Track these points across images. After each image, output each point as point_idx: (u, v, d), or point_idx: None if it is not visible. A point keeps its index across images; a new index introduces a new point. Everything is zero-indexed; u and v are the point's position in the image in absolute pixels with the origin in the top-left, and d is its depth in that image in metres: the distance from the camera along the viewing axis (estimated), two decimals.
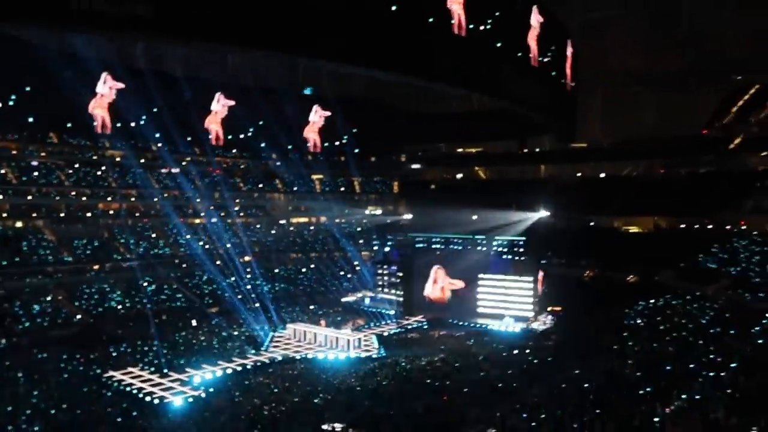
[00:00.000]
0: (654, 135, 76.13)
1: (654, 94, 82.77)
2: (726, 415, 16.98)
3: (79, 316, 47.65)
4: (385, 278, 58.78)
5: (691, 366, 24.73)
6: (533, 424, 21.75)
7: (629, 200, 68.48)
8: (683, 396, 19.79)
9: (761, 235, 52.07)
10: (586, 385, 26.54)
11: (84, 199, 59.11)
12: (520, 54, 57.87)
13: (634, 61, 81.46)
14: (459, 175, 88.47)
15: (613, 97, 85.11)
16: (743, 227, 56.86)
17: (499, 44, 49.86)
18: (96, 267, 54.16)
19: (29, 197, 55.78)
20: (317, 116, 76.71)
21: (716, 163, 67.03)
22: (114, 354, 39.61)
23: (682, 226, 64.08)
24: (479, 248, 52.56)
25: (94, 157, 62.45)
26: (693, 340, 30.53)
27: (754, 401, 18.54)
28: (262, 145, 75.00)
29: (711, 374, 22.79)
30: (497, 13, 48.03)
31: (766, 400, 18.49)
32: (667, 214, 65.57)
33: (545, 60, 63.15)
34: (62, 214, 57.66)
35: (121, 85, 58.73)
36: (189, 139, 67.67)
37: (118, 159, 64.60)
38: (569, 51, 71.60)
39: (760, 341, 29.44)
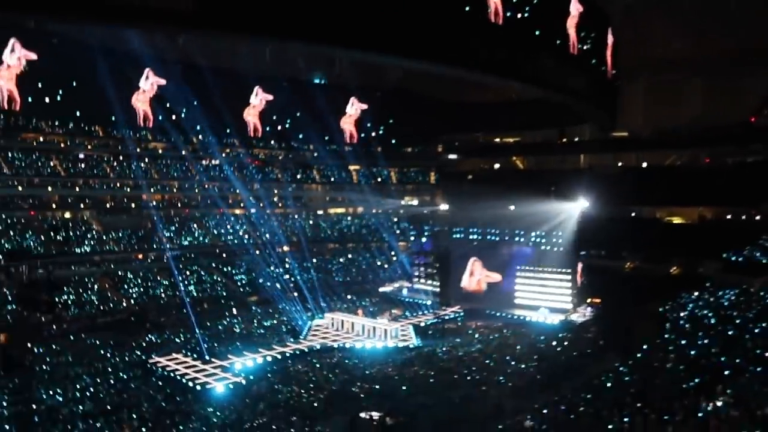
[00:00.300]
0: (699, 123, 73.72)
1: (699, 80, 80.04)
2: None
3: (124, 304, 49.20)
4: (422, 269, 58.74)
5: (737, 361, 24.06)
6: (572, 416, 21.55)
7: (673, 190, 66.68)
8: (728, 391, 19.30)
9: None
10: (626, 378, 26.14)
11: (128, 190, 60.76)
12: (558, 42, 56.81)
13: (677, 46, 78.86)
14: (496, 165, 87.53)
15: (655, 84, 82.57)
16: None
17: (537, 32, 49.02)
18: (140, 256, 55.68)
19: (77, 189, 57.66)
20: (354, 108, 76.97)
21: (765, 152, 64.60)
22: (158, 341, 40.81)
23: (729, 216, 62.12)
24: (517, 239, 52.01)
25: (138, 150, 64.09)
26: (738, 335, 29.64)
27: None
28: (299, 136, 75.77)
29: (758, 369, 22.14)
30: (535, 1, 47.15)
31: None
32: (713, 204, 63.58)
33: (585, 48, 61.81)
34: (108, 205, 59.46)
35: (162, 81, 60.15)
36: (227, 131, 68.79)
37: (160, 151, 66.22)
38: (610, 38, 69.89)
39: None
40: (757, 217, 58.51)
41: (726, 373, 21.90)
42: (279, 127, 74.22)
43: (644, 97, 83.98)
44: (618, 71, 72.57)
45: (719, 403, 18.23)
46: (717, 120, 70.39)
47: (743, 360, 24.03)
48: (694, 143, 70.59)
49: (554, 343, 39.21)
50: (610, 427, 18.86)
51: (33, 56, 50.63)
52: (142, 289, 51.38)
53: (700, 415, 17.66)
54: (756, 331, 29.61)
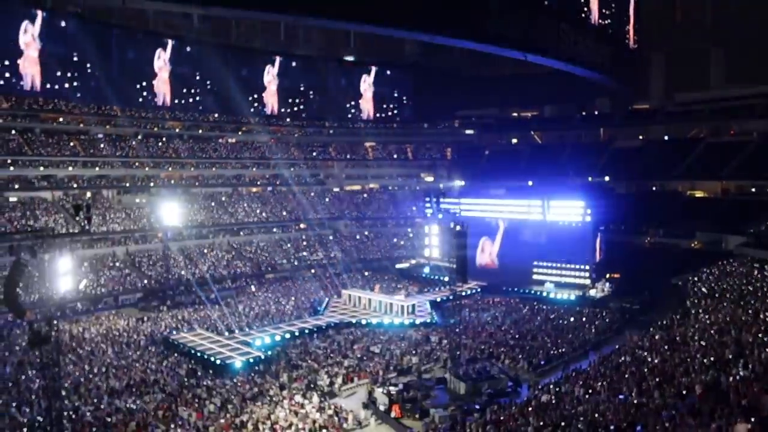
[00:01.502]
0: (722, 94, 71.92)
1: (722, 49, 77.94)
2: None
3: (145, 282, 49.97)
4: (439, 244, 58.63)
5: (759, 335, 23.73)
6: (590, 391, 21.50)
7: (695, 163, 65.45)
8: (749, 365, 19.07)
9: None
10: (644, 353, 25.95)
11: (147, 169, 61.25)
12: (580, 13, 55.57)
13: (701, 15, 76.72)
14: (514, 141, 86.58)
15: (678, 54, 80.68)
16: None
17: (557, 3, 48.03)
18: (159, 235, 56.35)
19: (97, 168, 58.27)
20: (369, 84, 76.53)
21: None
22: (179, 316, 41.45)
23: (753, 190, 60.89)
24: (533, 216, 51.52)
25: (155, 129, 64.51)
26: (760, 308, 29.21)
27: None
28: (315, 113, 75.67)
29: None
30: None
31: None
32: (736, 177, 62.33)
33: (606, 19, 60.40)
34: (127, 184, 60.05)
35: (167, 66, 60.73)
36: (243, 110, 68.95)
37: (177, 130, 66.59)
38: (632, 9, 68.21)
39: None
40: None
41: (746, 347, 21.61)
42: (295, 105, 74.20)
43: (666, 67, 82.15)
44: (640, 42, 70.91)
45: (738, 377, 18.03)
46: (741, 91, 68.68)
47: (765, 334, 23.71)
48: (717, 115, 68.96)
49: (572, 318, 39.04)
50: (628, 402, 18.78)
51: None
52: (162, 267, 52.03)
53: (720, 389, 17.50)
54: None
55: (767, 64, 73.47)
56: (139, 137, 62.69)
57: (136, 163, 60.74)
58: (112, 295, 47.20)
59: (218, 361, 30.39)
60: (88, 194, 56.99)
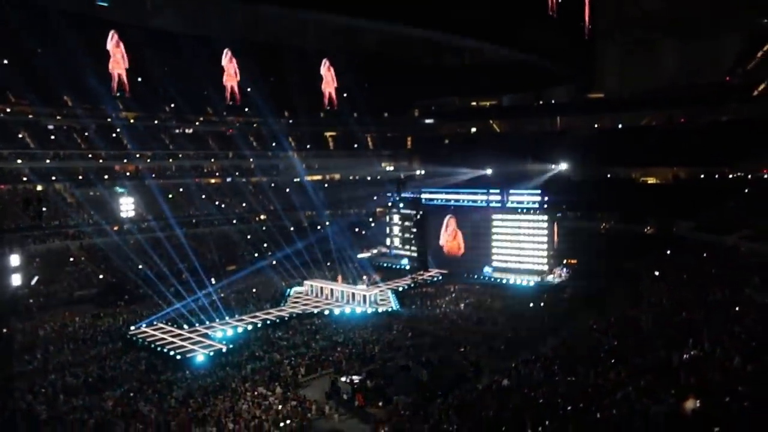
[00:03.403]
0: (674, 83, 74.14)
1: (674, 40, 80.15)
2: (742, 362, 17.04)
3: (101, 277, 48.69)
4: (400, 233, 58.91)
5: (708, 316, 24.73)
6: (548, 374, 22.03)
7: (648, 151, 67.38)
8: (698, 345, 19.86)
9: None
10: (599, 335, 26.74)
11: (101, 161, 59.50)
12: (537, 3, 56.25)
13: (652, 5, 78.67)
14: (473, 129, 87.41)
15: (631, 44, 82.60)
16: (766, 176, 55.87)
17: None
18: (116, 228, 54.89)
19: (47, 161, 56.30)
20: (329, 74, 76.03)
21: (739, 111, 65.40)
22: (137, 312, 40.59)
23: (702, 176, 63.11)
24: (494, 203, 52.23)
25: (108, 120, 62.63)
26: (710, 290, 30.42)
27: None
28: (274, 103, 74.67)
29: (728, 323, 22.79)
30: None
31: None
32: (687, 164, 64.49)
33: (563, 9, 61.35)
34: (80, 177, 58.23)
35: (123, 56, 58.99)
36: (201, 99, 67.66)
37: (132, 121, 64.83)
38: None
39: None
40: (731, 176, 59.54)
41: (697, 327, 22.48)
42: (253, 94, 73.03)
43: (620, 57, 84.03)
44: (594, 32, 72.38)
45: (688, 356, 18.76)
46: (692, 80, 70.94)
47: (714, 314, 24.72)
48: (669, 104, 71.05)
49: (531, 304, 39.83)
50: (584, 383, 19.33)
51: None
52: (118, 262, 50.76)
53: (672, 367, 18.18)
54: (727, 286, 30.40)
55: (715, 55, 76.03)
56: (93, 128, 60.80)
57: (90, 155, 58.94)
58: (66, 291, 45.83)
59: (179, 356, 29.96)
60: (39, 187, 55.06)
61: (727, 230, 47.04)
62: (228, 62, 70.18)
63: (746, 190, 52.46)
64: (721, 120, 66.01)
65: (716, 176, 61.23)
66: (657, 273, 40.74)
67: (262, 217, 65.35)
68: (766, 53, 67.98)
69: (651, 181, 66.96)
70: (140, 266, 50.65)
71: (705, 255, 42.26)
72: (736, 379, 15.36)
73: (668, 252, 46.39)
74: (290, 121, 77.06)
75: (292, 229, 64.31)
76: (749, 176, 57.86)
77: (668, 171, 66.41)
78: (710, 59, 75.20)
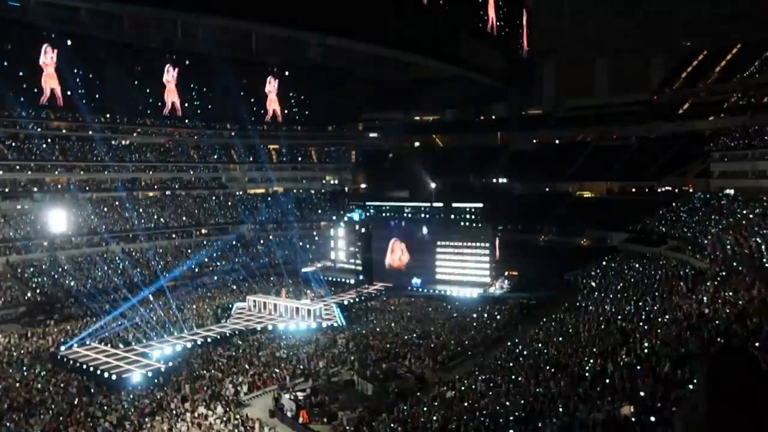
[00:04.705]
0: (607, 101, 77.53)
1: (606, 59, 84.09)
2: (672, 369, 17.82)
3: (28, 295, 46.18)
4: (345, 247, 58.77)
5: (640, 324, 25.74)
6: (491, 384, 22.37)
7: (583, 166, 69.98)
8: (632, 353, 20.63)
9: (706, 197, 53.88)
10: (540, 345, 27.38)
11: (29, 173, 56.70)
12: (477, 21, 57.69)
13: (587, 27, 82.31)
14: (417, 144, 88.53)
15: (567, 63, 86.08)
16: (690, 190, 58.89)
17: (457, 11, 49.61)
18: (45, 243, 52.31)
19: None
20: (273, 86, 75.45)
21: (666, 128, 68.88)
22: (69, 331, 38.69)
23: (633, 190, 65.99)
24: (436, 216, 52.92)
25: (38, 130, 59.82)
26: (641, 299, 31.70)
27: (697, 356, 19.52)
28: (217, 115, 73.39)
29: (658, 331, 23.80)
30: None
31: (706, 355, 19.42)
32: (619, 179, 67.32)
33: (502, 27, 63.16)
34: (6, 189, 55.25)
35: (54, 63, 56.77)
36: (140, 110, 65.73)
37: (64, 131, 62.20)
38: (525, 18, 71.81)
39: (704, 299, 30.83)
40: (659, 190, 62.50)
41: (630, 335, 23.35)
42: (195, 106, 71.56)
43: (556, 75, 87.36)
44: (532, 51, 74.87)
45: (622, 363, 19.44)
46: (623, 98, 74.41)
47: (646, 323, 25.74)
48: (602, 120, 74.09)
49: (474, 315, 40.40)
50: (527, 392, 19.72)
51: None
52: (47, 279, 48.39)
53: (607, 374, 18.81)
54: (657, 295, 31.75)
55: (645, 75, 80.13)
56: (21, 137, 57.94)
57: (17, 167, 56.08)
58: None
59: (114, 376, 28.68)
60: None
61: (655, 242, 49.32)
62: (168, 74, 68.52)
63: (673, 204, 55.16)
64: (649, 137, 69.35)
65: (646, 190, 64.13)
66: (593, 283, 42.24)
67: (204, 231, 63.84)
68: (689, 74, 72.06)
69: (587, 194, 69.46)
70: (72, 283, 48.44)
71: (637, 264, 44.08)
72: (667, 385, 16.02)
73: (603, 263, 48.15)
74: (232, 134, 75.80)
75: (234, 242, 63.06)
76: (676, 190, 60.92)
77: (602, 185, 69.10)
78: (640, 78, 79.26)
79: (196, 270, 56.43)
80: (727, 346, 2.90)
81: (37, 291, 46.76)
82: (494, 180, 68.10)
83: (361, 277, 53.83)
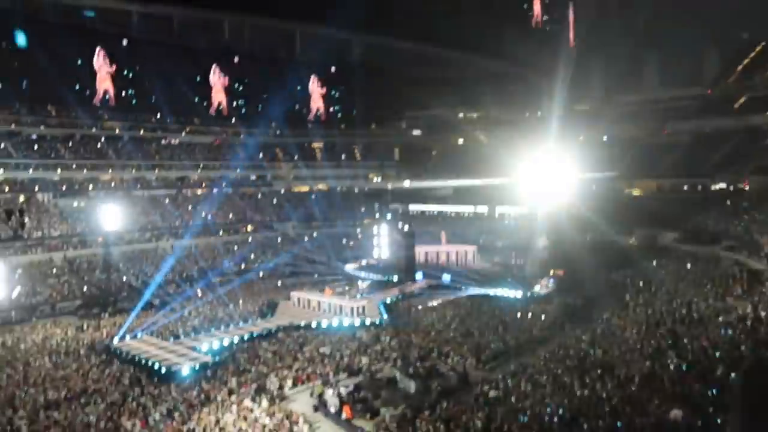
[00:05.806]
0: (657, 96, 75.18)
1: (656, 53, 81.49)
2: (726, 372, 17.22)
3: (85, 288, 48.11)
4: (387, 245, 58.88)
5: (691, 326, 24.97)
6: (536, 385, 22.07)
7: (633, 163, 68.09)
8: (682, 355, 20.05)
9: (763, 195, 51.74)
10: (586, 345, 26.85)
11: (85, 172, 59.03)
12: (523, 16, 56.88)
13: (636, 20, 79.95)
14: (460, 141, 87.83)
15: (615, 57, 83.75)
16: (746, 188, 56.64)
17: (502, 6, 49.01)
18: (99, 239, 54.34)
19: (30, 171, 55.74)
20: (316, 85, 76.19)
21: (721, 124, 66.39)
22: (122, 324, 40.07)
23: (685, 188, 63.85)
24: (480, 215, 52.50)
25: (93, 130, 62.22)
26: (692, 300, 30.70)
27: (750, 355, 18.81)
28: (263, 114, 74.68)
29: (711, 334, 23.04)
30: None
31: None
32: (670, 176, 65.24)
33: (548, 22, 62.10)
34: (64, 188, 57.68)
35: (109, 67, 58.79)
36: (188, 111, 67.53)
37: (117, 131, 64.47)
38: (571, 12, 70.41)
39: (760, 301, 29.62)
40: (713, 188, 60.31)
41: (680, 338, 22.67)
42: (241, 105, 73.05)
43: (604, 70, 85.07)
44: (579, 45, 73.28)
45: (672, 366, 18.91)
46: (675, 92, 72.02)
47: (697, 326, 24.94)
48: (653, 116, 71.96)
49: (518, 314, 39.85)
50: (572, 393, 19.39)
51: None
52: (102, 273, 50.21)
53: (658, 378, 18.32)
54: (711, 297, 30.71)
55: (698, 68, 77.27)
56: (77, 138, 60.33)
57: (74, 166, 58.42)
58: (49, 303, 45.21)
59: (164, 368, 29.58)
60: (21, 198, 54.42)
61: (708, 242, 47.64)
62: (215, 75, 70.13)
63: (728, 202, 53.14)
64: (703, 132, 66.93)
65: (699, 188, 61.98)
66: (642, 283, 41.08)
67: (249, 228, 65.07)
68: (746, 67, 69.24)
69: (636, 192, 67.59)
70: (125, 278, 50.18)
71: (687, 265, 42.70)
72: (719, 390, 15.50)
73: (653, 262, 46.79)
74: (277, 132, 77.01)
75: (279, 240, 64.07)
76: (731, 188, 58.65)
77: (652, 182, 67.10)
78: (692, 72, 76.48)
79: (242, 266, 57.58)
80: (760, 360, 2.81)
81: (92, 285, 48.67)
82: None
83: (404, 275, 53.82)
